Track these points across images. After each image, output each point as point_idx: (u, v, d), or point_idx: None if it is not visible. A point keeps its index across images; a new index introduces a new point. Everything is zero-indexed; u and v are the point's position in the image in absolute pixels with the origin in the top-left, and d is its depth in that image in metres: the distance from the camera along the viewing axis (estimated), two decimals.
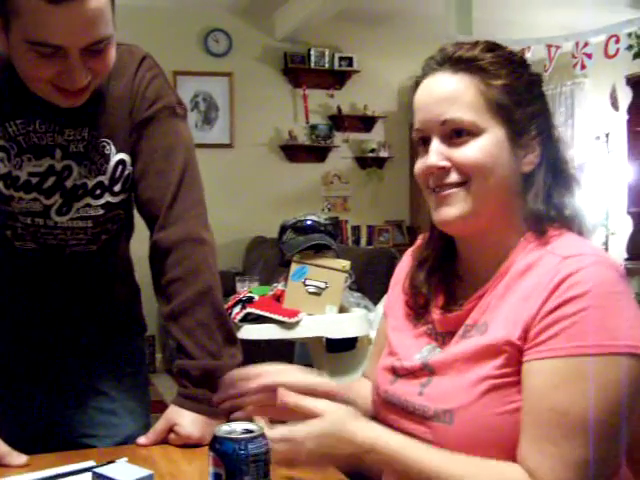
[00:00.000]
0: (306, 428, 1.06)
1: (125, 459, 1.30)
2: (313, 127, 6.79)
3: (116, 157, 1.47)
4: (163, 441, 1.43)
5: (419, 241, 1.34)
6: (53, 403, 1.62)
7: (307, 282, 2.87)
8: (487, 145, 1.12)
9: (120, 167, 1.48)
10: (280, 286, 3.02)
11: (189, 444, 1.40)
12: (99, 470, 0.96)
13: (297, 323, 2.82)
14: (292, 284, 2.88)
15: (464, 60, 1.14)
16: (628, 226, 6.15)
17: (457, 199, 1.13)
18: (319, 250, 2.94)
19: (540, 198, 1.14)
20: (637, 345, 1.01)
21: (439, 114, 1.13)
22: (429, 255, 1.28)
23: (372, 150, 6.97)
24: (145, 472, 0.96)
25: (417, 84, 1.19)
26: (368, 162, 7.05)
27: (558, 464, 1.00)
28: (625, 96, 5.98)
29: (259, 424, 1.01)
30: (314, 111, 6.84)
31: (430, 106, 1.15)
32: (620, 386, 1.00)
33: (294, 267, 2.87)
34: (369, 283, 3.96)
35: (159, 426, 1.43)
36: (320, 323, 2.90)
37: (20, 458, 1.31)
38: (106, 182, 1.47)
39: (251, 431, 0.99)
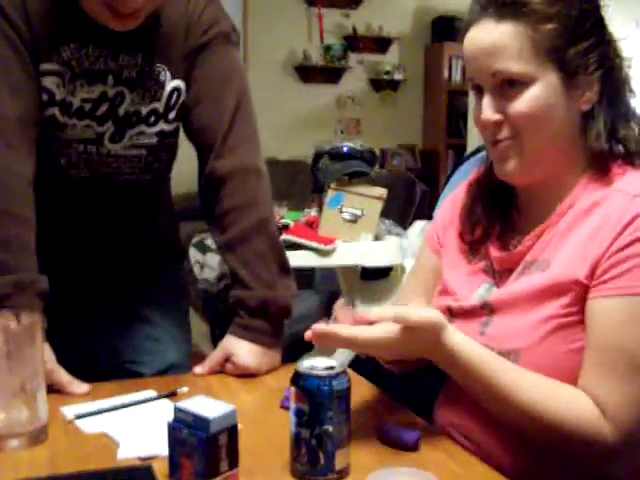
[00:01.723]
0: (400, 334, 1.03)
1: (186, 389, 1.31)
2: (328, 48, 6.66)
3: (171, 84, 1.43)
4: (219, 371, 1.44)
5: (475, 174, 1.31)
6: (100, 331, 1.63)
7: (343, 209, 2.84)
8: (539, 95, 1.08)
9: (175, 94, 1.44)
10: (313, 212, 3.00)
11: (246, 374, 1.41)
12: (181, 405, 0.95)
13: (333, 250, 2.80)
14: (328, 211, 2.86)
15: (509, 3, 1.08)
16: None
17: (512, 153, 1.11)
18: (354, 177, 2.90)
19: (603, 136, 1.11)
20: None
21: (488, 66, 1.09)
22: (487, 188, 1.25)
23: (387, 72, 6.85)
24: (228, 407, 0.95)
25: (464, 30, 1.14)
26: (382, 84, 6.94)
27: (628, 397, 1.01)
28: None
29: (338, 360, 1.01)
30: (329, 31, 6.70)
31: (478, 58, 1.11)
32: None
33: (330, 194, 2.84)
34: (389, 209, 3.95)
35: (215, 356, 1.43)
36: (356, 251, 2.89)
37: (82, 387, 1.31)
38: (160, 109, 1.44)
39: (333, 367, 0.98)
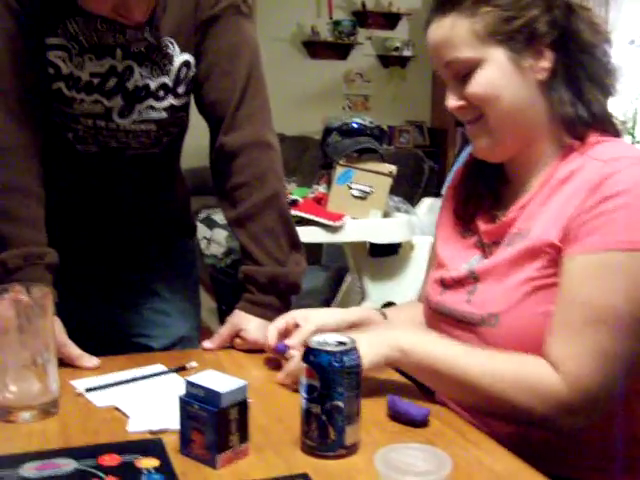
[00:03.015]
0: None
1: (195, 363, 1.31)
2: (336, 23, 6.62)
3: (180, 57, 1.42)
4: (228, 346, 1.44)
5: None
6: (109, 304, 1.64)
7: (352, 186, 2.83)
8: (489, 74, 1.13)
9: (185, 68, 1.43)
10: (321, 189, 2.99)
11: (255, 349, 1.41)
12: (192, 379, 0.95)
13: (341, 227, 2.80)
14: (337, 187, 2.85)
15: (446, 1, 1.16)
16: None
17: (480, 132, 1.18)
18: (364, 154, 2.89)
19: (566, 102, 1.13)
20: None
21: (440, 59, 1.17)
22: (476, 166, 1.29)
23: (395, 48, 6.81)
24: (239, 381, 0.96)
25: (425, 31, 1.21)
26: (391, 60, 6.91)
27: (583, 353, 1.03)
28: None
29: (350, 336, 1.01)
30: (338, 6, 6.65)
31: (433, 54, 1.18)
32: None
33: (340, 170, 2.83)
34: (397, 186, 3.94)
35: (225, 331, 1.44)
36: (365, 227, 2.89)
37: (92, 360, 1.32)
38: (170, 83, 1.43)
39: (344, 343, 0.99)
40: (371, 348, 1.11)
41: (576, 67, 1.14)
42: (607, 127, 1.16)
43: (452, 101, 1.18)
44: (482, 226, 1.24)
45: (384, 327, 1.31)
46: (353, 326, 1.30)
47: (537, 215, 1.13)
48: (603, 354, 1.03)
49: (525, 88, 1.14)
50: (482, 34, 1.12)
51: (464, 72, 1.15)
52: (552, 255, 1.08)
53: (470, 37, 1.12)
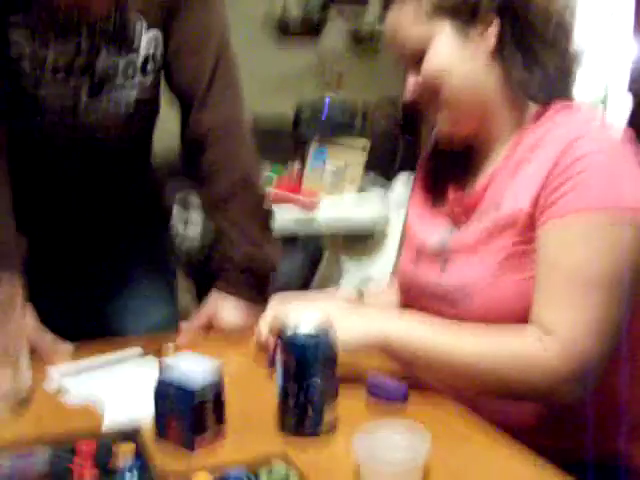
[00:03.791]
0: None
1: (171, 344, 1.30)
2: (306, 7, 6.54)
3: (148, 34, 1.39)
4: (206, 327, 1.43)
5: None
6: (85, 291, 1.61)
7: (327, 162, 2.82)
8: (437, 49, 1.14)
9: (153, 44, 1.40)
10: (295, 168, 2.97)
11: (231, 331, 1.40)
12: (167, 363, 0.95)
13: (316, 204, 2.78)
14: (311, 165, 2.83)
15: None
16: (627, 106, 6.06)
17: (438, 112, 1.18)
18: (337, 130, 2.87)
19: (519, 65, 1.14)
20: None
21: (395, 48, 1.19)
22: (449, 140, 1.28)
23: (368, 25, 6.75)
24: (214, 364, 0.95)
25: None
26: (364, 36, 6.85)
27: (573, 318, 1.02)
28: None
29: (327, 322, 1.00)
30: None
31: (390, 42, 1.19)
32: (629, 245, 1.03)
33: (313, 148, 2.81)
34: (373, 162, 3.93)
35: (201, 314, 1.42)
36: (340, 204, 2.87)
37: (65, 349, 1.30)
38: (138, 61, 1.40)
39: (320, 324, 0.98)
40: (352, 335, 1.09)
41: (527, 33, 1.13)
42: (568, 94, 1.16)
43: (410, 86, 1.19)
44: (452, 198, 1.24)
45: (365, 309, 1.28)
46: None
47: (507, 185, 1.13)
48: (594, 319, 1.02)
49: (476, 58, 1.14)
50: (428, 12, 1.13)
51: (418, 54, 1.15)
52: (525, 223, 1.08)
53: (417, 17, 1.14)
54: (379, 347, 1.10)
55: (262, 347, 1.24)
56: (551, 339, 1.02)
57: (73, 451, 0.91)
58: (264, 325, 1.24)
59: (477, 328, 1.07)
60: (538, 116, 1.15)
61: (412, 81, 1.19)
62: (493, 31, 1.13)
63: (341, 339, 1.03)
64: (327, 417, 0.97)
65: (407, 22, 1.15)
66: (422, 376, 1.13)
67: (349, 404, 1.04)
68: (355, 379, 1.11)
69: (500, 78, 1.15)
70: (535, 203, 1.07)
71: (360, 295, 1.38)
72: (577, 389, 1.03)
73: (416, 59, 1.16)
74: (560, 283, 1.04)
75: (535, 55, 1.13)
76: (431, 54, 1.14)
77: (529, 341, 1.04)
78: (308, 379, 0.96)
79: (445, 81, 1.14)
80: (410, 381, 1.11)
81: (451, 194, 1.24)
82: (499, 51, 1.14)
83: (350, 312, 1.14)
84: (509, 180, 1.13)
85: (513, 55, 1.13)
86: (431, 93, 1.16)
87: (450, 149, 1.26)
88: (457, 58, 1.14)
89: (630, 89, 6.02)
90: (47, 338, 1.29)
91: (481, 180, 1.19)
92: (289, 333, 0.97)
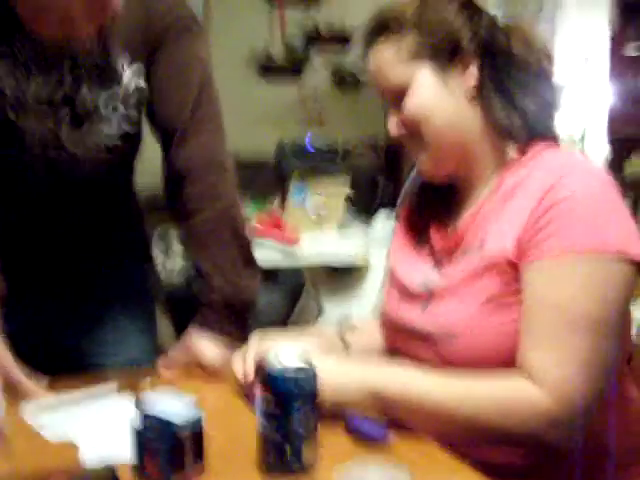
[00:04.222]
0: None
1: (149, 378, 1.28)
2: (289, 45, 6.62)
3: (131, 68, 1.39)
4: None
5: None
6: (62, 324, 1.59)
7: (307, 203, 2.82)
8: (417, 93, 1.16)
9: (135, 78, 1.40)
10: (276, 207, 2.97)
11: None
12: (145, 405, 0.94)
13: (297, 249, 2.78)
14: (292, 206, 2.84)
15: (376, 30, 1.19)
16: (605, 151, 6.14)
17: (420, 152, 1.19)
18: (317, 171, 2.89)
19: (498, 111, 1.15)
20: (626, 249, 1.03)
21: (377, 87, 1.20)
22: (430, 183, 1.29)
23: (349, 68, 6.82)
24: (193, 406, 0.93)
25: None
26: (345, 79, 6.91)
27: (563, 360, 1.02)
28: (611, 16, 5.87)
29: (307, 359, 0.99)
30: (290, 29, 6.65)
31: (372, 83, 1.21)
32: (615, 286, 1.03)
33: (295, 183, 2.82)
34: (353, 202, 3.94)
35: (180, 356, 1.41)
36: (321, 246, 2.87)
37: (39, 387, 1.27)
38: (120, 95, 1.40)
39: (303, 368, 0.97)
40: (336, 393, 1.08)
41: (505, 79, 1.15)
42: (548, 138, 1.17)
43: (393, 128, 1.20)
44: (435, 238, 1.24)
45: (347, 360, 1.25)
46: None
47: (489, 226, 1.13)
48: (584, 361, 1.01)
49: (455, 103, 1.16)
50: (407, 56, 1.15)
51: (398, 96, 1.17)
52: (509, 264, 1.08)
53: (397, 61, 1.16)
54: (362, 405, 1.09)
55: (241, 385, 1.22)
56: (541, 381, 1.01)
57: None
58: (243, 362, 1.22)
59: (466, 376, 1.06)
60: (520, 155, 1.15)
61: (393, 120, 1.20)
62: (471, 76, 1.15)
63: (331, 400, 1.03)
64: (307, 455, 0.96)
65: (388, 62, 1.17)
66: (415, 428, 1.10)
67: (329, 443, 1.02)
68: (335, 419, 1.09)
69: (481, 118, 1.17)
70: (519, 244, 1.07)
71: (344, 329, 1.37)
72: (569, 431, 1.03)
73: (397, 98, 1.17)
74: (547, 324, 1.03)
75: (513, 100, 1.15)
76: (412, 94, 1.16)
77: (519, 385, 1.03)
78: (287, 417, 0.94)
79: (426, 121, 1.15)
80: (390, 422, 1.09)
81: (434, 234, 1.25)
82: (478, 95, 1.16)
83: (337, 371, 1.12)
84: (492, 219, 1.13)
85: (491, 99, 1.15)
86: (412, 132, 1.18)
87: (432, 186, 1.27)
88: (437, 98, 1.15)
89: (609, 141, 6.10)
90: (22, 372, 1.26)
91: (464, 220, 1.20)
92: (268, 370, 0.96)
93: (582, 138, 6.33)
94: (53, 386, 1.27)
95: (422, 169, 1.22)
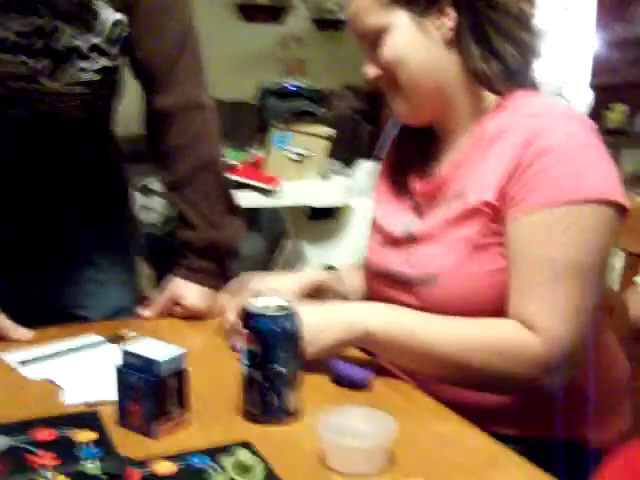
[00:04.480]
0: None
1: (134, 332, 1.29)
2: None
3: (112, 17, 1.36)
4: (167, 314, 1.41)
5: None
6: (43, 275, 1.58)
7: (289, 148, 2.80)
8: (395, 38, 1.15)
9: (117, 28, 1.37)
10: (258, 152, 2.95)
11: (194, 316, 1.39)
12: (129, 348, 0.93)
13: (279, 191, 2.77)
14: (273, 150, 2.81)
15: None
16: (588, 98, 6.12)
17: (397, 98, 1.19)
18: (301, 116, 2.86)
19: (476, 57, 1.14)
20: (608, 195, 1.04)
21: (355, 31, 1.20)
22: (409, 128, 1.29)
23: (331, 11, 6.73)
24: (177, 350, 0.93)
25: None
26: (327, 24, 6.82)
27: (553, 308, 1.03)
28: None
29: (290, 300, 0.99)
30: None
31: (350, 26, 1.21)
32: (599, 232, 1.04)
33: (276, 133, 2.79)
34: (335, 149, 3.93)
35: (162, 299, 1.41)
36: (302, 190, 2.86)
37: (25, 332, 1.28)
38: (102, 44, 1.37)
39: (284, 307, 0.97)
40: (322, 334, 1.08)
41: (484, 24, 1.13)
42: (527, 83, 1.17)
43: (370, 71, 1.20)
44: (416, 185, 1.24)
45: (334, 304, 1.24)
46: (309, 295, 1.29)
47: (471, 175, 1.13)
48: (575, 308, 1.03)
49: (432, 48, 1.15)
50: (385, 1, 1.14)
51: (376, 41, 1.16)
52: (490, 215, 1.08)
53: (375, 5, 1.15)
54: (360, 342, 1.10)
55: (230, 332, 1.23)
56: (532, 328, 1.03)
57: (31, 439, 0.89)
58: (230, 310, 1.22)
59: (462, 319, 1.07)
60: (499, 104, 1.15)
61: (370, 66, 1.20)
62: (449, 22, 1.14)
63: (320, 344, 1.03)
64: (291, 405, 0.96)
65: (365, 10, 1.16)
66: (406, 369, 1.13)
67: (313, 391, 1.03)
68: (318, 365, 1.10)
69: (458, 66, 1.16)
70: (501, 195, 1.07)
71: (330, 272, 1.37)
72: (560, 376, 1.04)
73: (374, 45, 1.17)
74: (539, 275, 1.04)
75: (492, 46, 1.13)
76: (388, 42, 1.15)
77: (512, 331, 1.04)
78: (272, 366, 0.95)
79: (401, 69, 1.15)
80: (373, 367, 1.10)
81: (415, 183, 1.25)
82: (456, 41, 1.14)
83: (321, 315, 1.11)
84: (473, 169, 1.13)
85: (470, 45, 1.14)
86: (389, 79, 1.18)
87: (411, 133, 1.28)
88: (413, 47, 1.15)
89: (591, 85, 6.09)
90: (5, 321, 1.26)
91: (444, 168, 1.20)
92: (253, 320, 0.96)
93: (562, 87, 6.32)
94: (37, 338, 1.27)
95: (398, 113, 1.22)
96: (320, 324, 1.08)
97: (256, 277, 1.29)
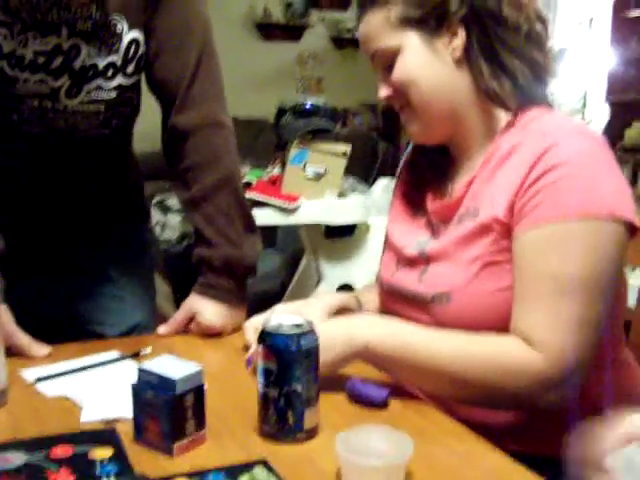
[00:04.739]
0: None
1: (150, 349, 1.29)
2: (288, 4, 6.55)
3: (129, 35, 1.38)
4: (183, 331, 1.41)
5: None
6: (61, 291, 1.59)
7: (307, 166, 2.81)
8: (406, 60, 1.16)
9: (133, 46, 1.39)
10: (275, 170, 2.96)
11: (211, 333, 1.39)
12: (146, 365, 0.93)
13: (297, 208, 2.78)
14: (291, 168, 2.82)
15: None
16: (605, 115, 6.11)
17: (410, 118, 1.20)
18: (317, 134, 2.87)
19: (487, 76, 1.15)
20: (618, 211, 1.04)
21: (367, 53, 1.21)
22: (424, 147, 1.29)
23: (348, 30, 6.77)
24: (194, 367, 0.93)
25: None
26: (344, 42, 6.86)
27: (555, 322, 1.03)
28: None
29: (306, 319, 0.99)
30: None
31: (362, 48, 1.22)
32: (606, 248, 1.04)
33: (294, 151, 2.80)
34: (352, 167, 3.93)
35: (179, 315, 1.41)
36: (320, 208, 2.86)
37: (43, 349, 1.28)
38: (118, 62, 1.39)
39: (301, 325, 0.97)
40: (324, 351, 1.04)
41: (494, 42, 1.14)
42: (540, 101, 1.17)
43: (382, 91, 1.21)
44: (431, 205, 1.24)
45: (333, 320, 1.23)
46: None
47: (483, 193, 1.13)
48: (577, 323, 1.02)
49: (443, 68, 1.16)
50: (395, 23, 1.15)
51: (388, 62, 1.17)
52: (499, 231, 1.09)
53: (385, 27, 1.16)
54: (361, 356, 1.10)
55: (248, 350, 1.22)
56: (534, 343, 1.02)
57: (49, 455, 0.89)
58: (251, 329, 1.23)
59: (461, 334, 1.07)
60: (512, 123, 1.15)
61: (382, 87, 1.21)
62: (459, 41, 1.15)
63: (323, 359, 1.01)
64: (308, 423, 0.96)
65: (376, 31, 1.17)
66: (405, 383, 1.13)
67: (329, 409, 1.03)
68: (335, 383, 1.10)
69: (469, 85, 1.16)
70: (510, 211, 1.08)
71: (358, 303, 1.37)
72: (561, 392, 1.03)
73: (386, 66, 1.18)
74: (541, 290, 1.04)
75: (502, 64, 1.14)
76: (399, 63, 1.16)
77: (513, 346, 1.04)
78: (289, 384, 0.94)
79: (413, 90, 1.16)
80: (390, 386, 1.10)
81: (429, 203, 1.25)
82: (466, 60, 1.15)
83: (321, 332, 1.05)
84: (485, 186, 1.14)
85: (480, 64, 1.15)
86: (401, 99, 1.19)
87: (427, 153, 1.28)
88: (424, 67, 1.16)
89: (607, 99, 6.08)
90: (23, 337, 1.27)
91: (458, 188, 1.20)
92: (269, 338, 0.95)
93: (583, 104, 6.31)
94: (53, 354, 1.27)
95: (412, 133, 1.23)
96: (320, 340, 1.07)
97: (279, 306, 1.29)
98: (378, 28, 1.17)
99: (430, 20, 1.14)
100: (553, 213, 1.04)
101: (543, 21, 1.18)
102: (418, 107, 1.17)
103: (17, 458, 0.89)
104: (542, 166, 1.05)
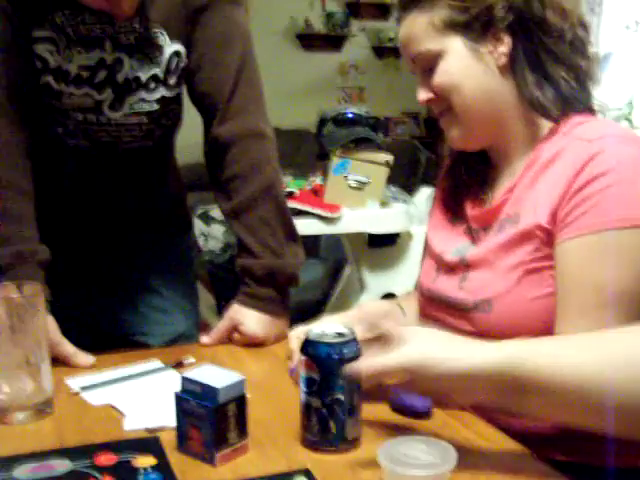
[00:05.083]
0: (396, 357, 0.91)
1: (193, 359, 1.29)
2: (330, 15, 6.58)
3: (170, 48, 1.39)
4: (226, 341, 1.42)
5: None
6: (106, 302, 1.61)
7: (349, 176, 2.81)
8: (449, 64, 1.15)
9: (175, 58, 1.40)
10: (318, 180, 2.96)
11: (253, 343, 1.39)
12: (189, 374, 0.93)
13: (339, 218, 2.78)
14: (333, 178, 2.82)
15: (408, 2, 1.18)
16: None
17: (450, 123, 1.19)
18: (359, 143, 2.87)
19: (530, 83, 1.13)
20: None
21: (407, 55, 1.20)
22: (464, 153, 1.28)
23: (389, 39, 6.77)
24: (236, 376, 0.93)
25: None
26: (385, 51, 6.86)
27: None
28: None
29: (349, 327, 0.98)
30: None
31: (402, 51, 1.21)
32: None
33: (336, 161, 2.80)
34: (394, 176, 3.93)
35: (222, 325, 1.42)
36: (362, 218, 2.87)
37: (87, 358, 1.30)
38: (160, 75, 1.41)
39: (343, 334, 0.96)
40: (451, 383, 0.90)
41: (538, 50, 1.13)
42: (583, 108, 1.15)
43: (422, 94, 1.20)
44: (470, 212, 1.24)
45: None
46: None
47: (525, 199, 1.12)
48: None
49: (486, 74, 1.14)
50: (440, 26, 1.14)
51: (429, 65, 1.16)
52: (542, 238, 1.07)
53: (429, 30, 1.15)
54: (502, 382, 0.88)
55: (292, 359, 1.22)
56: None
57: (93, 463, 0.90)
58: (295, 339, 1.22)
59: (584, 335, 0.93)
60: (555, 130, 1.14)
61: (422, 90, 1.20)
62: (504, 49, 1.14)
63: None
64: (350, 433, 0.95)
65: (419, 35, 1.16)
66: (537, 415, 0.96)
67: (372, 419, 1.02)
68: (379, 393, 1.09)
69: (512, 93, 1.15)
70: (553, 219, 1.06)
71: (402, 311, 1.36)
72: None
73: (427, 69, 1.17)
74: (580, 302, 1.02)
75: (547, 72, 1.13)
76: (442, 67, 1.15)
77: None
78: (331, 394, 0.94)
79: (455, 95, 1.15)
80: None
81: (469, 209, 1.24)
82: (510, 67, 1.14)
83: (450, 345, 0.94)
84: (527, 193, 1.12)
85: (524, 72, 1.13)
86: (442, 104, 1.18)
87: (468, 160, 1.27)
88: (468, 74, 1.15)
89: None
90: (68, 347, 1.29)
91: (499, 195, 1.19)
92: (312, 347, 0.95)
93: (630, 108, 6.22)
94: (99, 364, 1.29)
95: (452, 138, 1.22)
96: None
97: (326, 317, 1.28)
98: (421, 31, 1.16)
99: (475, 25, 1.13)
100: (598, 222, 1.02)
101: (585, 27, 1.16)
102: (460, 112, 1.16)
103: (61, 466, 0.90)
104: (588, 173, 1.03)
